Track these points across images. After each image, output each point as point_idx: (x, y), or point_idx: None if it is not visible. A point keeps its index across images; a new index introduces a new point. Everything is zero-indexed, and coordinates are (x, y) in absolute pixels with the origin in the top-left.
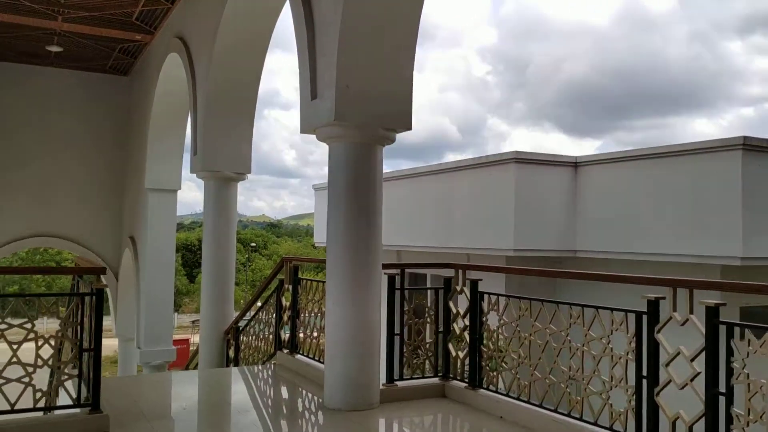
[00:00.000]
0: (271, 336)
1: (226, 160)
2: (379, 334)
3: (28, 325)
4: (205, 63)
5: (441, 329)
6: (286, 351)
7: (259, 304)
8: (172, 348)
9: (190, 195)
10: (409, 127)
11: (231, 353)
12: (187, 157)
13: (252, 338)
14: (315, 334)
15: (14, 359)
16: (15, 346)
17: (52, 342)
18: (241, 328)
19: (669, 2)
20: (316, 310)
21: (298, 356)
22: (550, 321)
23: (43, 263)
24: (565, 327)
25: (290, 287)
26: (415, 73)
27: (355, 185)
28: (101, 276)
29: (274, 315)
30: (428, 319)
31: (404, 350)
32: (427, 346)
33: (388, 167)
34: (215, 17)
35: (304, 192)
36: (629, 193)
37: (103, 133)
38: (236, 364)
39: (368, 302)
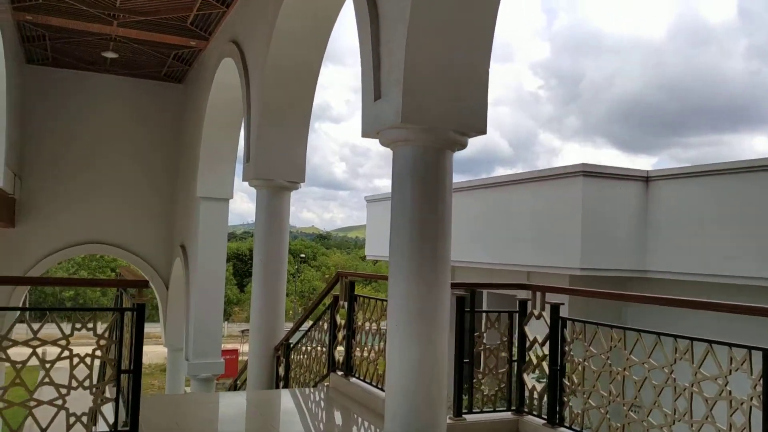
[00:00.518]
0: (324, 356)
1: (280, 169)
2: (447, 362)
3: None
4: (260, 68)
5: (515, 358)
6: (340, 373)
7: (310, 320)
8: (220, 360)
9: (243, 206)
10: (483, 131)
11: (281, 371)
12: (239, 167)
13: (303, 357)
14: (372, 357)
15: (46, 379)
16: (48, 365)
17: (89, 361)
18: (291, 345)
19: (727, 15)
20: (374, 330)
21: (354, 380)
22: (649, 355)
23: (98, 270)
24: (669, 362)
25: (345, 304)
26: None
27: (422, 194)
28: (143, 289)
29: (328, 334)
30: (501, 346)
31: (474, 380)
32: (500, 376)
33: None
34: (270, 21)
35: (353, 204)
36: (705, 209)
37: (156, 141)
38: (286, 384)
39: (436, 326)
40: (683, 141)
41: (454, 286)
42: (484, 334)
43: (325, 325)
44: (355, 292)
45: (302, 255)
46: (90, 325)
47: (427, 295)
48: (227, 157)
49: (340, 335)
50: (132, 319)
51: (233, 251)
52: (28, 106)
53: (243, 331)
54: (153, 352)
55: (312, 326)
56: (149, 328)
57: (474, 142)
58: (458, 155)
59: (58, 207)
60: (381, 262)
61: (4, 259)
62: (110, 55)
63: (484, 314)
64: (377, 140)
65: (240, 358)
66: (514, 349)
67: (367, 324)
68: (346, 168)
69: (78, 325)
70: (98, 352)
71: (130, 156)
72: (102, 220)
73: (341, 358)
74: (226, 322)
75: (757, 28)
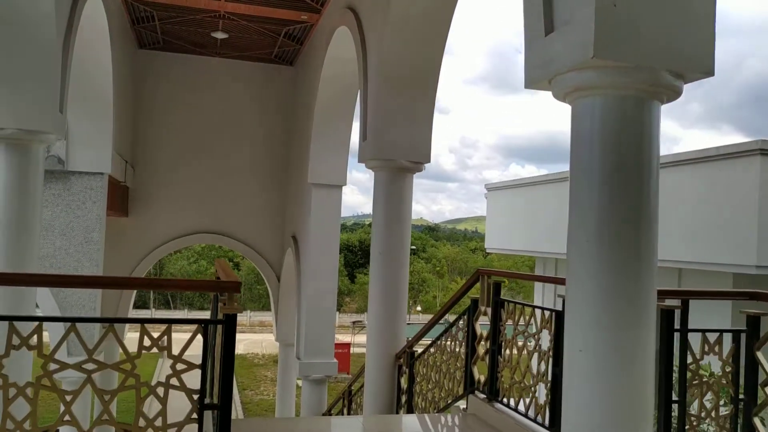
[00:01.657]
0: (458, 372)
1: (401, 147)
2: (653, 401)
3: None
4: (379, 34)
5: (742, 396)
6: (481, 396)
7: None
8: (333, 361)
9: (353, 197)
10: (710, 71)
11: (403, 383)
12: (353, 154)
13: (431, 371)
14: (529, 381)
15: (105, 417)
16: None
17: (161, 391)
18: (416, 355)
19: None
20: (531, 347)
21: (500, 406)
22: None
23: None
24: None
25: (488, 310)
26: None
27: (618, 164)
28: (233, 295)
29: (464, 345)
30: (724, 379)
31: (687, 426)
32: (722, 421)
33: (546, 170)
34: None
35: (461, 196)
36: None
37: (268, 127)
38: (410, 399)
39: (638, 348)
40: None
41: (662, 294)
42: (700, 363)
43: (461, 334)
44: (503, 297)
45: (412, 247)
46: (164, 342)
47: (628, 307)
48: (340, 141)
49: (481, 349)
50: (223, 332)
51: (343, 242)
52: (140, 93)
53: (354, 323)
54: (267, 341)
55: (443, 334)
56: (264, 316)
57: None
58: (569, 144)
59: (169, 196)
60: (515, 257)
61: (118, 249)
62: (220, 35)
63: (700, 334)
64: (543, 94)
65: (351, 350)
66: (740, 385)
67: (521, 338)
68: (455, 160)
69: (147, 342)
70: (174, 380)
71: (241, 143)
72: (213, 208)
73: (482, 377)
74: (337, 313)
75: None
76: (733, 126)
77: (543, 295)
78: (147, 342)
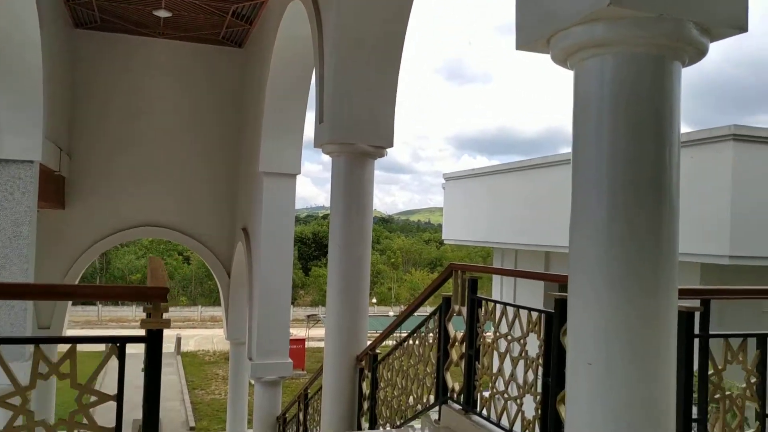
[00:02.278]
0: (429, 378)
1: (361, 130)
2: (673, 420)
3: None
4: (336, 7)
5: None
6: (456, 407)
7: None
8: (287, 361)
9: (306, 189)
10: (744, 27)
11: (365, 387)
12: (308, 146)
13: (397, 376)
14: (513, 392)
15: None
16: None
17: None
18: (380, 357)
19: None
20: (516, 353)
21: (478, 419)
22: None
23: (166, 253)
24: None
25: (463, 310)
26: (528, 66)
27: (634, 136)
28: (159, 304)
29: (436, 349)
30: (748, 391)
31: None
32: None
33: (498, 161)
34: None
35: (414, 188)
36: None
37: (216, 113)
38: (373, 407)
39: (659, 360)
40: (764, 119)
41: (683, 293)
42: (722, 374)
43: (431, 336)
44: (480, 295)
45: None
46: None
47: (646, 310)
48: (294, 127)
49: (455, 353)
50: (149, 352)
51: (297, 234)
52: (77, 76)
53: (309, 316)
54: (219, 337)
55: (410, 335)
56: (215, 311)
57: (536, 124)
58: (523, 137)
59: (111, 187)
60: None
61: (53, 244)
62: (163, 14)
63: (721, 340)
64: (539, 56)
65: (306, 345)
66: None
67: (503, 343)
68: (408, 151)
69: (44, 369)
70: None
71: (187, 130)
72: (158, 200)
73: (457, 385)
74: (291, 306)
75: None
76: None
77: (501, 289)
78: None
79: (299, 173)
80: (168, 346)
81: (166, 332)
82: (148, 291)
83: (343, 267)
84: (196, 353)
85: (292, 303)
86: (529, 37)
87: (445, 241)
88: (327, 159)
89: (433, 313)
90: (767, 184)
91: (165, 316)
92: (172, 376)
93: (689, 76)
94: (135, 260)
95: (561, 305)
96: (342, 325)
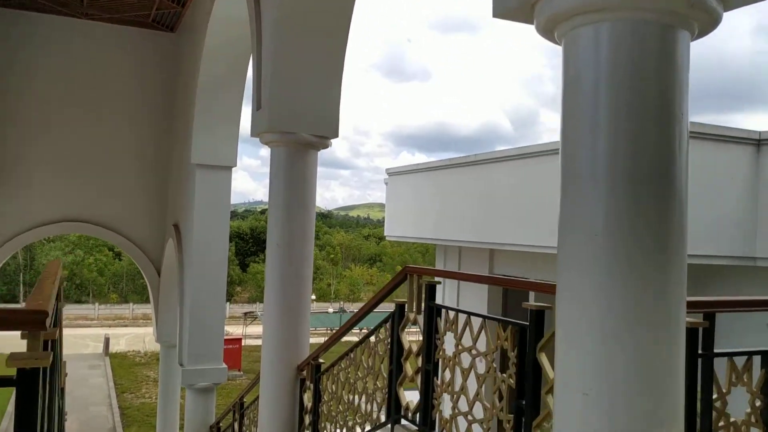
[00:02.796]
0: (379, 393)
1: (304, 118)
2: None
3: None
4: None
5: None
6: (412, 427)
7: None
8: (222, 367)
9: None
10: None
11: (306, 400)
12: (245, 140)
13: (342, 389)
14: (476, 413)
15: None
16: None
17: None
18: (323, 368)
19: None
20: (482, 370)
21: None
22: None
23: (96, 249)
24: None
25: (420, 319)
26: (465, 65)
27: (636, 116)
28: (37, 336)
29: (387, 360)
30: (753, 416)
31: None
32: None
33: (436, 158)
34: None
35: (354, 183)
36: None
37: (146, 102)
38: (315, 421)
39: (667, 384)
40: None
41: (691, 307)
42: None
43: (381, 347)
44: (438, 303)
45: None
46: None
47: (651, 327)
48: (229, 116)
49: (410, 367)
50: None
51: (233, 230)
52: None
53: (246, 314)
54: (150, 336)
55: (356, 345)
56: (147, 308)
57: (474, 121)
58: (461, 134)
59: (29, 178)
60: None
61: None
62: None
63: (727, 359)
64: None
65: (243, 343)
66: None
67: (467, 356)
68: (347, 147)
69: None
70: None
71: (115, 119)
72: (82, 194)
73: (411, 402)
74: (227, 303)
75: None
76: None
77: (444, 292)
78: None
79: (235, 165)
80: (96, 347)
81: (94, 332)
82: (17, 317)
83: (283, 268)
84: (126, 354)
85: (229, 300)
86: (509, 3)
87: (387, 238)
88: (266, 153)
89: (384, 322)
90: (714, 183)
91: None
92: (99, 379)
93: None
94: (62, 256)
95: (536, 317)
96: (281, 331)
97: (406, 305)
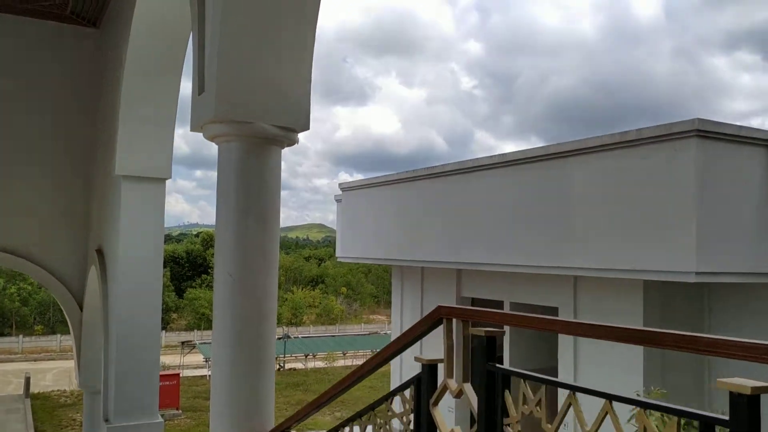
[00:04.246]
0: None
1: (263, 104)
2: None
3: None
4: None
5: None
6: None
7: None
8: (157, 421)
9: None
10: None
11: None
12: (181, 153)
13: None
14: None
15: None
16: None
17: None
18: None
19: (655, 17)
20: None
21: None
22: None
23: (18, 276)
24: None
25: (468, 389)
26: (401, 85)
27: None
28: None
29: None
30: None
31: None
32: None
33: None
34: None
35: (291, 204)
36: None
37: (63, 108)
38: None
39: None
40: None
41: None
42: None
43: (395, 424)
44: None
45: None
46: None
47: None
48: (161, 119)
49: None
50: None
51: (168, 253)
52: None
53: (183, 343)
54: (62, 372)
55: (352, 420)
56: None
57: (412, 141)
58: (397, 154)
59: None
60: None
61: None
62: None
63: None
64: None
65: (182, 374)
66: None
67: None
68: (284, 167)
69: None
70: None
71: (24, 126)
72: None
73: None
74: (163, 331)
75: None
76: (541, 137)
77: (401, 317)
78: None
79: (169, 177)
80: (19, 384)
81: (17, 367)
82: None
83: (237, 305)
84: (49, 395)
85: (164, 328)
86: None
87: (339, 259)
88: (202, 175)
89: (401, 389)
90: (731, 189)
91: None
92: (17, 425)
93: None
94: None
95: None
96: (235, 392)
97: (442, 366)
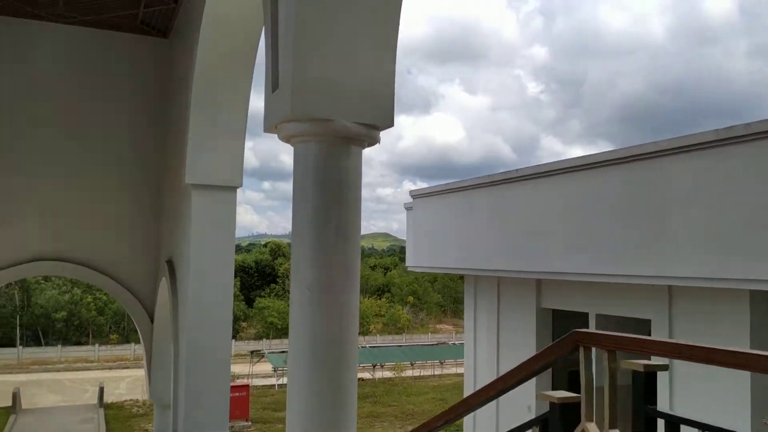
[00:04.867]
0: None
1: (344, 99)
2: None
3: None
4: None
5: None
6: None
7: None
8: None
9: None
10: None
11: None
12: (246, 146)
13: None
14: None
15: None
16: None
17: None
18: None
19: (727, 14)
20: None
21: None
22: None
23: (95, 286)
24: None
25: None
26: (465, 93)
27: None
28: None
29: None
30: None
31: None
32: None
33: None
34: None
35: None
36: None
37: (134, 118)
38: None
39: None
40: None
41: None
42: None
43: None
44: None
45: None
46: None
47: None
48: (232, 127)
49: None
50: None
51: (238, 263)
52: None
53: (253, 352)
54: (131, 383)
55: None
56: (140, 349)
57: (477, 149)
58: (463, 162)
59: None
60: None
61: None
62: None
63: None
64: None
65: (251, 384)
66: None
67: None
68: None
69: None
70: None
71: (96, 138)
72: (57, 228)
73: None
74: (232, 341)
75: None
76: (609, 141)
77: (475, 320)
78: None
79: (240, 185)
80: (95, 393)
81: (94, 376)
82: None
83: (318, 323)
84: (122, 405)
85: (234, 337)
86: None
87: (409, 268)
88: (270, 186)
89: (520, 430)
90: None
91: None
92: None
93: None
94: (58, 296)
95: None
96: (315, 420)
97: (584, 406)
